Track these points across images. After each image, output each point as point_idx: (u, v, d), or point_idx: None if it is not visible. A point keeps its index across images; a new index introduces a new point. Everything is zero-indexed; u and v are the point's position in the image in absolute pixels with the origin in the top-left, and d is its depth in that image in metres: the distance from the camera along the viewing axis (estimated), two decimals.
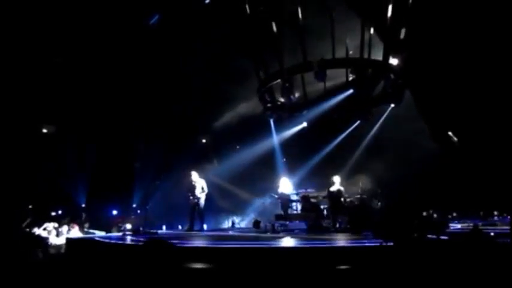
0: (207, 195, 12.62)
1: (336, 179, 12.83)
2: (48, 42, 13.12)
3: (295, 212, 13.19)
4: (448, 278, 4.61)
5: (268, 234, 11.17)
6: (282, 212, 12.68)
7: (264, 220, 13.52)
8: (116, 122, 15.65)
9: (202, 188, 12.54)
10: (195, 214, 12.49)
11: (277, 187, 13.11)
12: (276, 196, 13.15)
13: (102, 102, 14.98)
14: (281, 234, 10.88)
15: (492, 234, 7.86)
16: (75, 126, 15.46)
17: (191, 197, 12.41)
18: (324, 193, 12.90)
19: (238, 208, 15.48)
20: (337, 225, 11.84)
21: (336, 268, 6.11)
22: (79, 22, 12.82)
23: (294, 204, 13.31)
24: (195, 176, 12.64)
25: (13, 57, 12.85)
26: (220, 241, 9.07)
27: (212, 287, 6.00)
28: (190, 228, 12.51)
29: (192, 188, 12.49)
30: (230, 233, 13.02)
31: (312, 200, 12.73)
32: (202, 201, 12.49)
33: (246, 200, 16.16)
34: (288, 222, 12.31)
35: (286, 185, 13.11)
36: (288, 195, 13.00)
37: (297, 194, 13.35)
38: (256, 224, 13.30)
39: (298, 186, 14.27)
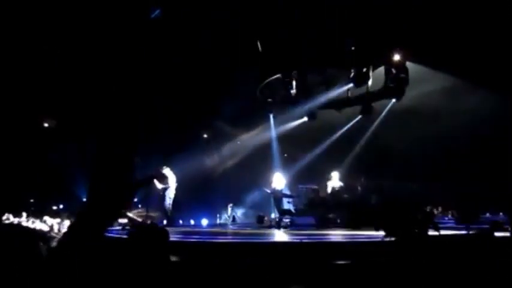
0: (177, 189, 12.55)
1: (335, 174, 12.83)
2: (48, 35, 13.06)
3: (294, 208, 13.19)
4: (452, 274, 4.60)
5: (277, 230, 11.04)
6: (276, 208, 12.61)
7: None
8: (116, 116, 15.59)
9: (165, 181, 12.40)
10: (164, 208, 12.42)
11: (271, 182, 12.86)
12: (269, 191, 12.95)
13: (103, 96, 14.93)
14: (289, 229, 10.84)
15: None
16: (76, 120, 15.43)
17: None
18: (326, 189, 12.91)
19: (234, 201, 15.44)
20: (339, 221, 11.85)
21: (340, 263, 6.11)
22: (78, 14, 12.76)
23: (287, 199, 13.19)
24: (166, 171, 12.59)
25: (13, 50, 12.81)
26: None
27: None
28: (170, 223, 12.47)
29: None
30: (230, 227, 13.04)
31: (321, 195, 12.66)
32: (165, 195, 12.41)
33: (242, 192, 16.12)
34: (294, 218, 12.13)
35: (279, 181, 12.85)
36: (281, 191, 12.81)
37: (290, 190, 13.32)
38: (260, 219, 13.17)
39: (297, 181, 14.23)
